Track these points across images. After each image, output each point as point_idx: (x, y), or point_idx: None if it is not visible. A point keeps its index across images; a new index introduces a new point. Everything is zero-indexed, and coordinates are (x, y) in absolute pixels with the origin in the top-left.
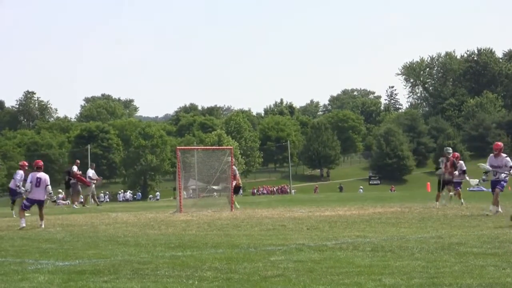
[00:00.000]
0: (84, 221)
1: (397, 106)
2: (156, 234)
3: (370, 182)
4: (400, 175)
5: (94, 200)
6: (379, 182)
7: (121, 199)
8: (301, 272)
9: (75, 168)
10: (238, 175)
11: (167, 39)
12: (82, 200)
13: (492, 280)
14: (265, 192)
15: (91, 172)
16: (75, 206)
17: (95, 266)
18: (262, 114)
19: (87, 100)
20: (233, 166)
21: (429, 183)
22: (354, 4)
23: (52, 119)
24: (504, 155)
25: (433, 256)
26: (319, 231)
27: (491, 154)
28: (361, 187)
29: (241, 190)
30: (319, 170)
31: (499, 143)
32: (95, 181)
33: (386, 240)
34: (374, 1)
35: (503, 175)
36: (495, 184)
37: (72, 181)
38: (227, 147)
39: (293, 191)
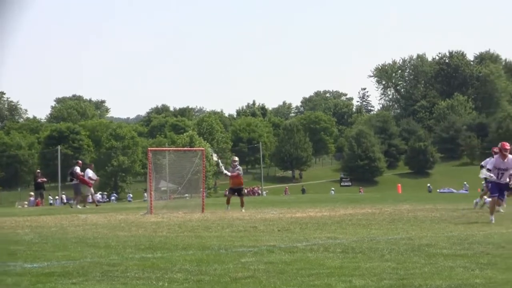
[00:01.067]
0: (53, 223)
1: (369, 108)
2: (126, 236)
3: (342, 184)
4: (372, 176)
5: (93, 200)
6: (350, 183)
7: (90, 201)
8: (272, 274)
9: (77, 169)
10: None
11: (139, 40)
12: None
13: (461, 281)
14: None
15: (90, 173)
16: (79, 207)
17: (64, 268)
18: (235, 116)
19: (57, 100)
20: (238, 166)
21: (399, 184)
22: (327, 6)
23: (22, 119)
24: (511, 156)
25: (403, 257)
26: (290, 233)
27: (496, 155)
28: (333, 188)
29: (244, 190)
30: (291, 171)
31: (507, 143)
32: (93, 181)
33: (357, 242)
34: (346, 3)
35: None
36: (503, 187)
37: (75, 182)
38: (199, 148)
39: (264, 192)
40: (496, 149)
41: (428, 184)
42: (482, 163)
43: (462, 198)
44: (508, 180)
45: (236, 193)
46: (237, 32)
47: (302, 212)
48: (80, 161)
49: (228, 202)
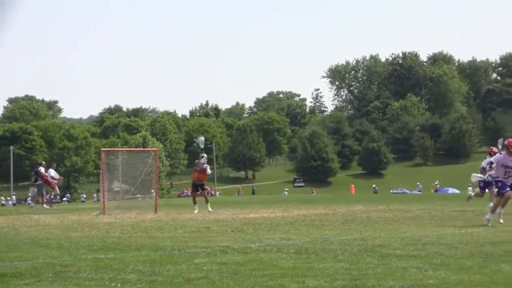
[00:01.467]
0: (6, 223)
1: (322, 108)
2: (79, 237)
3: (295, 184)
4: (325, 177)
5: (49, 201)
6: (303, 184)
7: (46, 200)
8: (225, 274)
9: (42, 169)
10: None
11: (91, 39)
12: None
13: (414, 282)
14: (189, 194)
15: (53, 172)
16: (47, 207)
17: (17, 269)
18: (188, 116)
19: (10, 100)
20: (206, 165)
21: (353, 185)
22: (279, 6)
23: None
24: None
25: (356, 258)
26: (243, 233)
27: (503, 152)
28: (286, 189)
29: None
30: (244, 172)
31: None
32: (56, 181)
33: (310, 242)
34: (300, 3)
35: None
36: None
37: (39, 182)
38: (152, 148)
39: (217, 193)
40: (494, 149)
41: (374, 185)
42: (483, 163)
43: (415, 198)
44: None
45: (199, 189)
46: (190, 32)
47: (255, 213)
48: (43, 162)
49: (195, 202)
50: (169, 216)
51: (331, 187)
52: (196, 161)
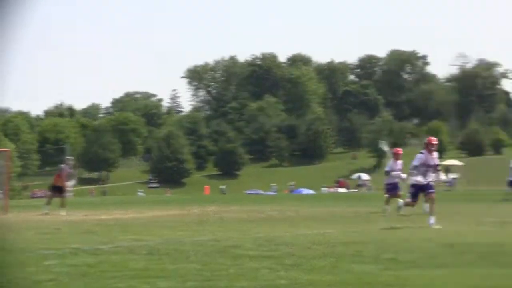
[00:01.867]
0: None
1: (179, 109)
2: None
3: (149, 185)
4: (180, 178)
5: None
6: (158, 185)
7: None
8: (75, 276)
9: None
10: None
11: None
12: None
13: (266, 283)
14: (41, 195)
15: None
16: None
17: None
18: (42, 116)
19: None
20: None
21: (207, 186)
22: (136, 5)
23: None
24: (435, 153)
25: (208, 259)
26: (95, 235)
27: (424, 151)
28: (141, 190)
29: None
30: (97, 173)
31: (434, 138)
32: None
33: (162, 244)
34: (157, 3)
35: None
36: (425, 188)
37: None
38: (4, 149)
39: (70, 194)
40: (400, 151)
41: (224, 186)
42: (387, 168)
43: (270, 199)
44: (437, 177)
45: (58, 192)
46: (43, 30)
47: (107, 214)
48: None
49: (49, 203)
50: (19, 217)
51: (186, 188)
52: (64, 165)
